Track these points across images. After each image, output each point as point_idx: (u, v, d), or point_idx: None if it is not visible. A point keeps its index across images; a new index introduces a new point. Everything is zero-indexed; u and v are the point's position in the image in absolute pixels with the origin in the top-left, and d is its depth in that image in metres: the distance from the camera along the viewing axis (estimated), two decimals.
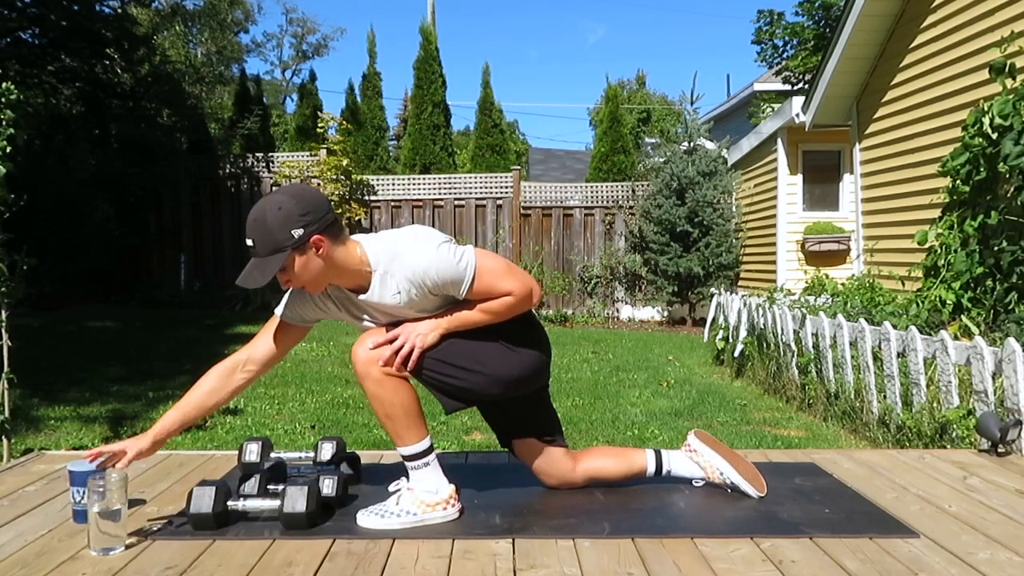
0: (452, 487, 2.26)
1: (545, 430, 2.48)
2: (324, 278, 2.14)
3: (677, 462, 2.55)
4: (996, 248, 5.02)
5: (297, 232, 2.03)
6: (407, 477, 2.26)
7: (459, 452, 3.58)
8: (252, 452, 2.64)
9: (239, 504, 2.21)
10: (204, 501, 2.12)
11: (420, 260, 2.10)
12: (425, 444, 2.22)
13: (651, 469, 2.55)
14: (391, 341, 2.15)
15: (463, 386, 2.21)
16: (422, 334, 2.15)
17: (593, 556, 1.99)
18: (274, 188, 11.70)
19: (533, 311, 2.39)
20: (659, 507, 2.38)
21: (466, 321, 2.19)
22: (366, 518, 2.20)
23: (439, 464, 2.26)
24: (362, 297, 2.19)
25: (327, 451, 2.69)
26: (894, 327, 4.33)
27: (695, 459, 2.53)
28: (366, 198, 11.66)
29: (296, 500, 2.13)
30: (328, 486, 2.29)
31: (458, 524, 2.21)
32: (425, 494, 2.22)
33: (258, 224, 2.04)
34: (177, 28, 19.40)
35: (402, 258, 2.12)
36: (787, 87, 16.95)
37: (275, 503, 2.19)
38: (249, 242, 2.06)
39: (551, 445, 2.49)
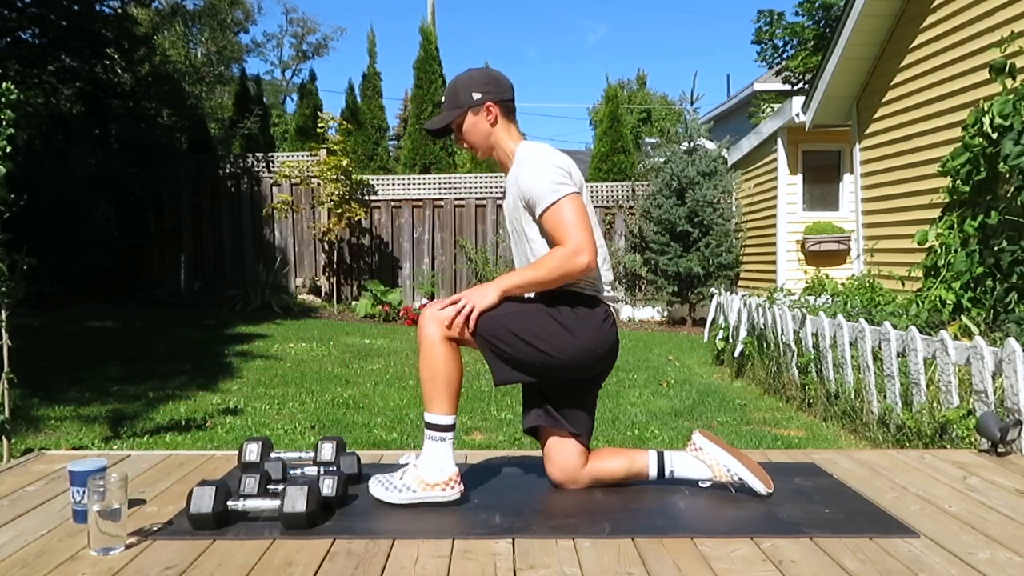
0: (456, 470, 2.34)
1: (576, 423, 2.50)
2: (487, 144, 2.48)
3: (681, 463, 2.55)
4: (996, 248, 5.02)
5: (476, 95, 2.43)
6: (417, 455, 2.39)
7: (459, 452, 3.58)
8: (252, 452, 2.64)
9: (239, 504, 2.21)
10: (204, 501, 2.12)
11: (529, 165, 2.36)
12: (450, 420, 2.33)
13: (653, 472, 2.55)
14: (455, 303, 2.31)
15: (516, 356, 2.33)
16: (481, 294, 2.31)
17: (593, 556, 1.99)
18: (274, 188, 11.71)
19: (610, 309, 2.45)
20: (659, 507, 2.38)
21: (521, 279, 2.32)
22: (375, 485, 2.37)
23: (452, 449, 2.34)
24: (506, 181, 2.50)
25: (327, 451, 2.69)
26: (894, 327, 4.33)
27: (701, 457, 2.52)
28: (366, 198, 11.66)
29: (296, 500, 2.13)
30: (328, 486, 2.30)
31: (458, 524, 2.21)
32: (427, 472, 2.31)
33: (452, 85, 2.48)
34: (177, 28, 19.39)
35: (525, 161, 2.39)
36: (787, 87, 16.96)
37: (275, 503, 2.19)
38: (442, 100, 2.49)
39: (572, 439, 2.51)
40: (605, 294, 2.46)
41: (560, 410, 2.50)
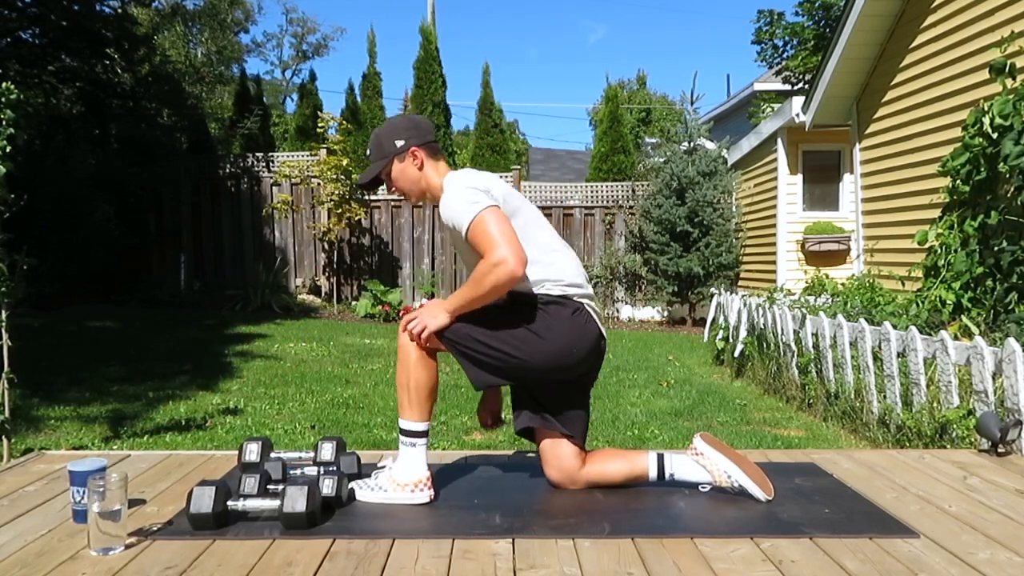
0: (427, 475, 2.40)
1: (567, 424, 2.50)
2: (418, 188, 2.52)
3: (682, 466, 2.54)
4: (996, 248, 5.02)
5: (399, 143, 2.49)
6: (394, 458, 2.47)
7: (459, 452, 3.58)
8: (252, 452, 2.64)
9: (239, 504, 2.21)
10: (204, 501, 2.12)
11: (446, 193, 2.41)
12: (422, 426, 2.40)
13: (653, 474, 2.54)
14: (411, 319, 2.38)
15: (488, 361, 2.37)
16: (433, 314, 2.36)
17: (593, 556, 1.99)
18: (274, 188, 11.71)
19: (582, 306, 2.44)
20: (659, 507, 2.38)
21: (462, 299, 2.33)
22: (358, 488, 2.44)
23: (426, 454, 2.42)
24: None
25: (327, 451, 2.70)
26: (894, 327, 4.33)
27: (701, 462, 2.51)
28: (366, 198, 11.65)
29: (296, 500, 2.13)
30: (328, 486, 2.30)
31: (458, 524, 2.21)
32: (399, 473, 2.39)
33: (374, 137, 2.54)
34: (177, 28, 19.40)
35: (444, 191, 2.44)
36: (787, 87, 16.95)
37: (275, 503, 2.19)
38: (368, 153, 2.55)
39: (567, 440, 2.51)
40: (574, 292, 2.44)
41: (550, 411, 2.50)
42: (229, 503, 2.18)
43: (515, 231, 2.29)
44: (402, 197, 2.58)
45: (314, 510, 2.14)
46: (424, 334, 2.34)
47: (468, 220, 2.29)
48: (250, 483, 2.31)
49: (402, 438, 2.41)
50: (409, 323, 2.37)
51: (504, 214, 2.32)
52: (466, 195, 2.33)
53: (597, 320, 2.48)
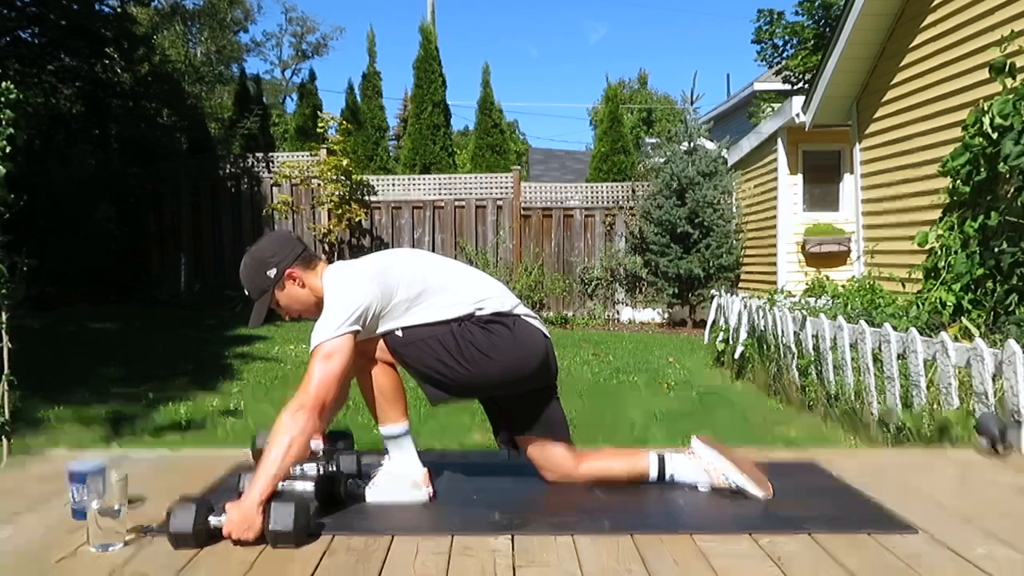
0: (424, 470, 2.42)
1: (545, 429, 2.49)
2: (311, 301, 2.41)
3: (681, 467, 2.54)
4: (996, 249, 5.01)
5: (271, 272, 2.38)
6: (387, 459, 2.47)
7: (459, 451, 3.58)
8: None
9: (222, 520, 2.04)
10: (184, 519, 1.98)
11: (325, 301, 2.32)
12: (401, 427, 2.43)
13: (653, 474, 2.54)
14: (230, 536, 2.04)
15: (443, 381, 2.36)
16: (244, 526, 2.02)
17: (592, 553, 1.99)
18: (274, 188, 11.71)
19: (519, 318, 2.41)
20: (658, 504, 2.39)
21: (265, 480, 2.06)
22: (356, 487, 2.42)
23: (415, 450, 2.45)
24: None
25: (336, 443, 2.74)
26: (894, 329, 4.33)
27: (700, 464, 2.52)
28: (366, 198, 11.66)
29: (283, 517, 1.99)
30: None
31: (457, 520, 2.21)
32: (396, 472, 2.42)
33: (243, 275, 2.43)
34: (177, 28, 19.41)
35: (325, 295, 2.35)
36: (787, 87, 16.93)
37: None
38: (246, 292, 2.44)
39: (551, 443, 2.50)
40: (504, 309, 2.41)
41: (526, 421, 2.48)
42: (211, 519, 2.04)
43: (337, 373, 2.21)
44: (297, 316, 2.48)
45: (303, 525, 2.02)
46: (251, 536, 2.01)
47: (314, 343, 2.23)
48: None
49: (388, 443, 2.44)
50: (235, 535, 2.02)
51: (345, 348, 2.21)
52: (325, 315, 2.26)
53: (537, 323, 2.47)
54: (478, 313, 2.39)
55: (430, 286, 2.39)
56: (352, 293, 2.30)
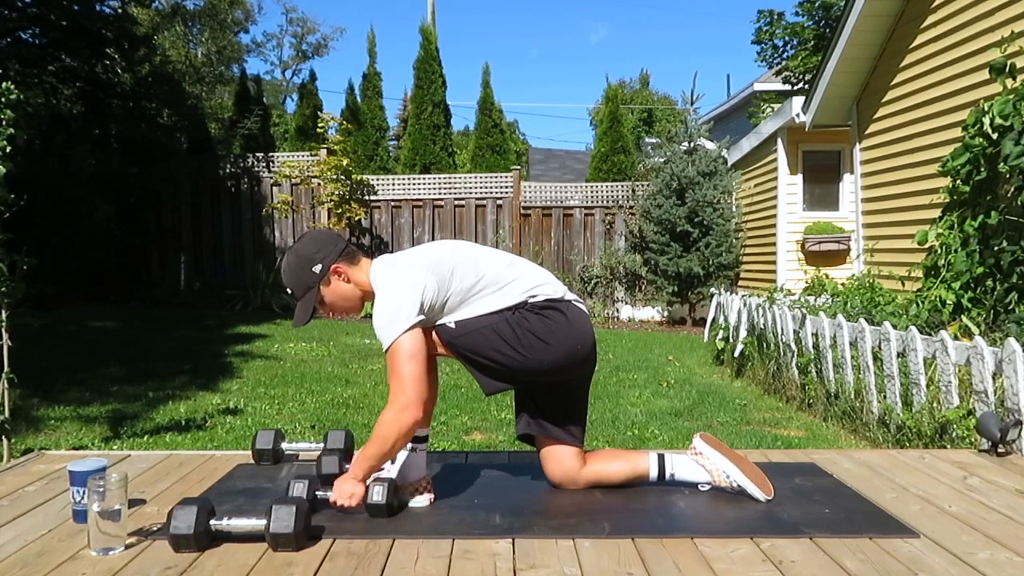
0: (427, 477, 2.43)
1: (568, 427, 2.51)
2: (357, 297, 2.44)
3: (681, 466, 2.54)
4: (996, 248, 5.01)
5: (316, 268, 2.37)
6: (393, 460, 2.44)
7: (459, 452, 3.58)
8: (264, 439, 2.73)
9: (223, 523, 2.06)
10: (185, 521, 1.99)
11: (376, 300, 2.35)
12: (423, 433, 2.43)
13: (653, 474, 2.55)
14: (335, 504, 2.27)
15: (498, 369, 2.35)
16: (349, 493, 2.26)
17: (593, 556, 1.99)
18: (274, 188, 11.70)
19: (573, 304, 2.45)
20: (659, 507, 2.38)
21: (370, 461, 2.25)
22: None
23: (425, 459, 2.45)
24: None
25: (336, 441, 2.79)
26: (894, 327, 4.33)
27: (701, 462, 2.52)
28: (366, 198, 11.66)
29: (283, 519, 2.00)
30: (378, 493, 2.24)
31: (458, 524, 2.21)
32: (400, 476, 2.38)
33: (286, 274, 2.41)
34: (177, 28, 19.39)
35: (376, 291, 2.38)
36: (787, 87, 16.94)
37: (261, 522, 2.05)
38: (288, 291, 2.43)
39: (567, 442, 2.51)
40: (555, 296, 2.44)
41: (551, 414, 2.50)
42: (212, 522, 2.05)
43: (423, 368, 2.25)
44: (335, 316, 2.51)
45: (302, 529, 2.02)
46: (355, 503, 2.26)
47: (386, 344, 2.25)
48: (299, 488, 2.25)
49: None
50: (339, 505, 2.26)
51: (419, 342, 2.26)
52: (389, 309, 2.28)
53: (585, 310, 2.51)
54: (531, 300, 2.40)
55: (483, 276, 2.40)
56: (411, 285, 2.31)
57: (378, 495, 2.23)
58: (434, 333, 2.39)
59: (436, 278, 2.33)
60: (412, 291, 2.29)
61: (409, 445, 2.39)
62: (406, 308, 2.26)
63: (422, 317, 2.28)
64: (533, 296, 2.40)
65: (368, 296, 2.44)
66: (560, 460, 2.52)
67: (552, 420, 2.50)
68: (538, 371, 2.38)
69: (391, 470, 2.42)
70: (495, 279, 2.40)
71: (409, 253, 2.47)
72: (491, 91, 14.38)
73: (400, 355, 2.23)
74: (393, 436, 2.21)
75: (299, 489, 2.25)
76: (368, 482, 2.28)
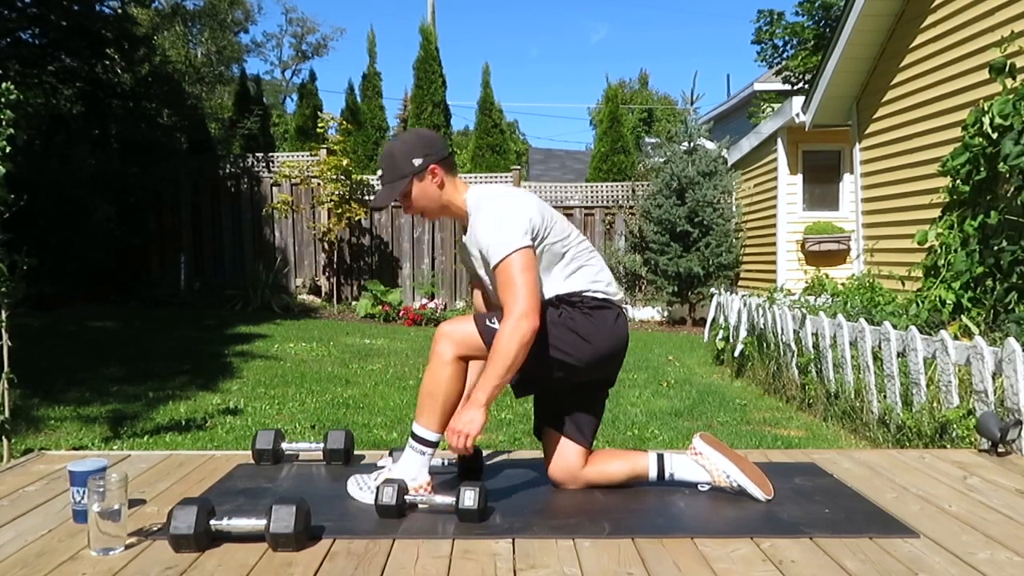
0: (428, 480, 2.39)
1: (582, 426, 2.53)
2: (437, 206, 2.46)
3: (681, 466, 2.55)
4: (996, 248, 5.01)
5: (417, 161, 2.39)
6: (394, 459, 2.47)
7: None
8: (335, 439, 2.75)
9: (223, 523, 2.06)
10: (185, 521, 1.99)
11: (482, 216, 2.37)
12: (436, 437, 2.37)
13: (653, 474, 2.55)
14: (458, 434, 2.26)
15: (535, 371, 2.34)
16: (471, 420, 2.24)
17: (593, 556, 1.99)
18: (274, 188, 11.71)
19: (620, 309, 2.48)
20: (659, 507, 2.38)
21: (493, 383, 2.24)
22: (351, 484, 2.46)
23: (429, 462, 2.41)
24: (464, 238, 2.51)
25: (336, 441, 2.81)
26: (894, 327, 4.33)
27: (700, 462, 2.52)
28: (366, 198, 11.65)
29: (283, 519, 2.00)
30: (470, 498, 2.21)
31: (458, 524, 2.21)
32: (400, 476, 2.35)
33: (386, 156, 2.44)
34: (177, 28, 19.38)
35: (478, 212, 2.40)
36: (787, 87, 16.94)
37: (261, 522, 2.04)
38: (379, 172, 2.46)
39: (577, 440, 2.52)
40: (612, 294, 2.48)
41: (570, 413, 2.52)
42: (212, 522, 2.05)
43: (538, 280, 2.30)
44: (418, 215, 2.51)
45: (302, 530, 2.02)
46: (472, 437, 2.25)
47: (500, 256, 2.27)
48: (388, 493, 2.24)
49: (412, 442, 2.38)
50: (457, 441, 2.25)
51: (532, 259, 2.30)
52: (505, 226, 2.30)
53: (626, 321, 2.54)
54: (588, 294, 2.42)
55: (570, 242, 2.43)
56: (524, 208, 2.35)
57: (388, 496, 2.23)
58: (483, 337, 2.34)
59: (540, 215, 2.37)
60: (525, 213, 2.34)
61: (419, 447, 2.37)
62: (520, 226, 2.30)
63: (531, 241, 2.31)
64: (594, 290, 2.43)
65: (449, 211, 2.47)
66: (564, 457, 2.52)
67: (568, 417, 2.51)
68: (575, 371, 2.40)
69: (393, 470, 2.42)
70: (577, 253, 2.44)
71: (512, 188, 2.50)
72: (491, 91, 14.38)
73: (514, 267, 2.26)
74: (515, 347, 2.20)
75: (388, 495, 2.24)
76: (378, 484, 2.27)
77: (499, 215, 2.34)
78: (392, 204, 11.60)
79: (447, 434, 2.28)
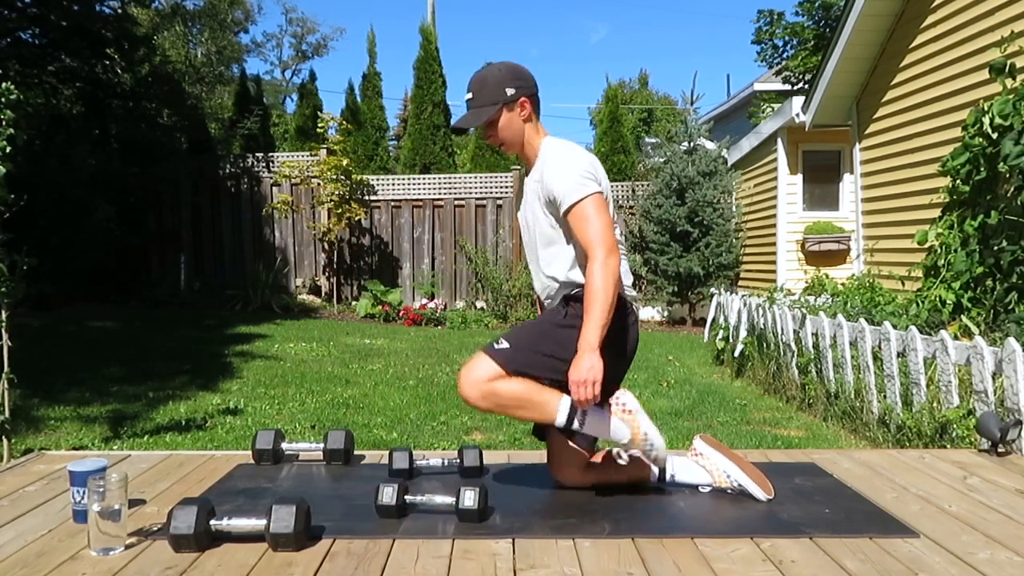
0: (634, 407, 2.42)
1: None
2: (519, 140, 2.46)
3: (682, 467, 2.55)
4: (996, 248, 5.01)
5: (510, 91, 2.41)
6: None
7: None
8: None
9: (223, 523, 2.08)
10: (185, 521, 2.00)
11: (556, 162, 2.38)
12: (567, 405, 2.34)
13: (654, 475, 2.55)
14: (582, 384, 2.22)
15: (561, 379, 2.30)
16: (591, 367, 2.21)
17: (593, 556, 1.99)
18: (274, 188, 11.70)
19: (635, 308, 2.52)
20: (659, 507, 2.38)
21: (597, 323, 2.23)
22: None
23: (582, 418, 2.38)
24: (527, 180, 2.51)
25: (336, 441, 2.82)
26: (894, 327, 4.33)
27: (701, 463, 2.52)
28: (366, 198, 11.65)
29: (283, 519, 2.01)
30: (470, 498, 2.23)
31: (458, 524, 2.21)
32: (623, 439, 2.40)
33: (479, 80, 2.44)
34: (177, 28, 19.37)
35: (551, 158, 2.41)
36: (787, 87, 16.94)
37: (261, 522, 2.05)
38: (469, 95, 2.44)
39: (580, 442, 2.51)
40: (629, 293, 2.48)
41: None
42: (212, 522, 2.05)
43: (611, 221, 2.35)
44: (499, 146, 2.50)
45: (302, 530, 2.02)
46: (598, 386, 2.21)
47: (576, 198, 2.31)
48: (388, 493, 2.25)
49: (579, 423, 2.36)
50: (586, 390, 2.21)
51: (604, 202, 2.36)
52: (578, 171, 2.34)
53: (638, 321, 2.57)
54: (620, 291, 2.41)
55: (616, 233, 2.41)
56: (592, 162, 2.40)
57: (388, 496, 2.24)
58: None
59: (606, 184, 2.43)
60: (597, 169, 2.40)
61: (578, 420, 2.36)
62: (592, 175, 2.35)
63: (600, 189, 2.35)
64: (624, 287, 2.44)
65: (523, 149, 2.47)
66: (568, 457, 2.51)
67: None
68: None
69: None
70: (619, 241, 2.44)
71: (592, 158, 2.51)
72: None
73: (589, 210, 2.30)
74: (610, 283, 2.24)
75: (388, 495, 2.24)
76: (379, 484, 2.28)
77: (574, 163, 2.36)
78: (391, 203, 11.57)
79: (573, 389, 2.22)
